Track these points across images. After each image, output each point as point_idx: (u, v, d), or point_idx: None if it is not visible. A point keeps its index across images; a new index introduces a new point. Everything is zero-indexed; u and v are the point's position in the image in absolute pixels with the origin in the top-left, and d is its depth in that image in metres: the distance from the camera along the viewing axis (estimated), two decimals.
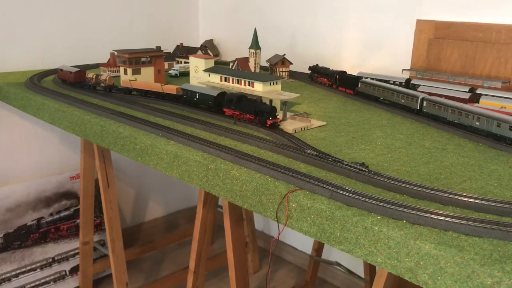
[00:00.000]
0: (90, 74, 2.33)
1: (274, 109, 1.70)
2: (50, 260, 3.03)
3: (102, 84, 2.28)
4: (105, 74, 2.30)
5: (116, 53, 2.56)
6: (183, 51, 3.23)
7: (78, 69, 2.40)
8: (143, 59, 2.52)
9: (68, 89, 2.40)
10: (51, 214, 3.02)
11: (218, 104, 1.89)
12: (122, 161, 3.53)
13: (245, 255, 2.08)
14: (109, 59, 2.88)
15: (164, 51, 2.64)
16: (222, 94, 1.90)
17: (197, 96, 1.96)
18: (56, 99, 2.21)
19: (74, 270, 3.13)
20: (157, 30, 3.59)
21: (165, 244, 3.64)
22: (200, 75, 2.22)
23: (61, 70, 2.50)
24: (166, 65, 3.01)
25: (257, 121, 1.73)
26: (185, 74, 2.86)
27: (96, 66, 3.10)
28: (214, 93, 1.91)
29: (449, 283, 0.94)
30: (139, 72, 2.49)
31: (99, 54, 3.22)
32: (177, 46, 3.35)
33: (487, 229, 1.01)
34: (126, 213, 3.72)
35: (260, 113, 1.71)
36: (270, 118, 1.69)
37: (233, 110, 1.81)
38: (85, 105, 2.05)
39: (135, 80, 2.24)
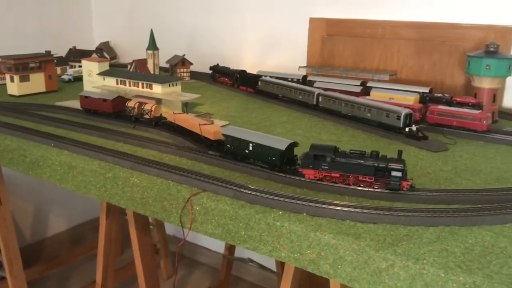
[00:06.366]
0: (132, 103, 1.84)
1: (404, 164, 1.19)
2: None
3: (147, 116, 1.79)
4: (150, 103, 1.81)
5: (0, 59, 2.37)
6: (77, 55, 3.07)
7: (115, 96, 1.89)
8: (31, 65, 2.36)
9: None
10: None
11: (288, 161, 1.31)
12: (16, 174, 3.28)
13: (155, 262, 2.03)
14: None
15: (54, 55, 2.49)
16: (293, 146, 1.32)
17: (250, 148, 1.37)
18: None
19: None
20: (47, 33, 3.38)
21: (71, 258, 3.46)
22: (95, 79, 2.12)
23: (86, 97, 1.94)
24: (58, 70, 2.84)
25: (382, 185, 1.19)
26: (79, 79, 2.71)
27: None
28: (281, 145, 1.30)
29: (348, 270, 0.99)
30: (27, 79, 2.33)
31: None
32: (70, 49, 3.18)
33: (381, 215, 1.07)
34: (24, 230, 3.47)
35: (385, 172, 1.19)
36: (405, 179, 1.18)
37: (326, 171, 1.24)
38: None
39: (179, 113, 1.73)
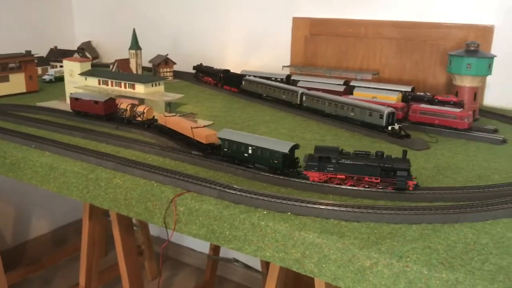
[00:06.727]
0: (124, 105, 1.78)
1: (409, 163, 1.19)
2: None
3: (139, 118, 1.74)
4: (142, 105, 1.77)
5: None
6: (58, 55, 3.03)
7: (107, 97, 1.83)
8: (11, 65, 2.32)
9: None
10: None
11: (291, 164, 1.29)
12: None
13: (139, 263, 2.02)
14: None
15: (35, 55, 2.45)
16: (294, 149, 1.29)
17: (250, 151, 1.34)
18: None
19: None
20: (27, 32, 3.32)
21: (54, 261, 3.41)
22: (77, 80, 2.09)
23: (76, 99, 1.86)
24: (39, 70, 2.80)
25: (387, 184, 1.19)
26: (61, 79, 2.67)
27: None
28: (284, 148, 1.27)
29: (333, 269, 0.99)
30: (7, 80, 2.29)
31: None
32: (51, 49, 3.14)
33: (364, 213, 1.07)
34: (5, 233, 3.41)
35: (390, 172, 1.19)
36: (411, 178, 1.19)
37: (331, 173, 1.23)
38: None
39: (170, 116, 1.67)
